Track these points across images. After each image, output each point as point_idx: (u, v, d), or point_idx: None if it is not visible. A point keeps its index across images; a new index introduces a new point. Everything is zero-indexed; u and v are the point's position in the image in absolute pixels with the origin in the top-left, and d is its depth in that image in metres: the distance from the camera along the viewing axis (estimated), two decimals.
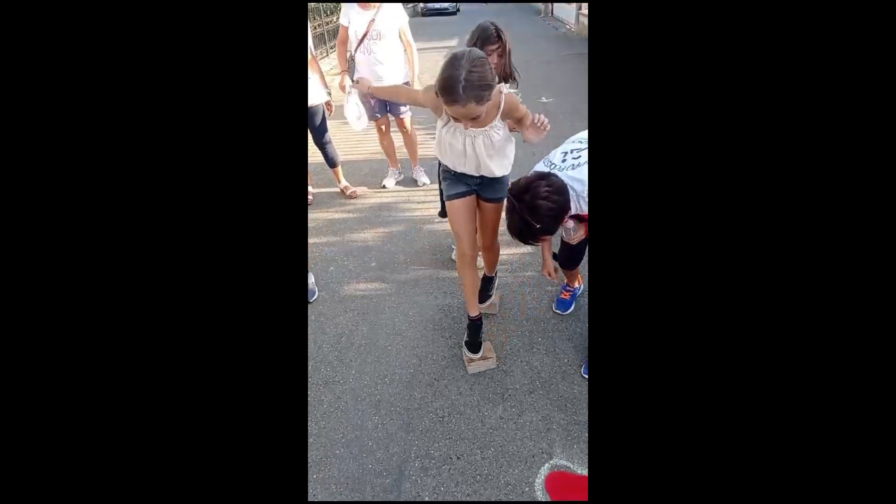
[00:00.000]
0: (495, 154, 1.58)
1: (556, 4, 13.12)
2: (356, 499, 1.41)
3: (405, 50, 3.06)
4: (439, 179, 1.89)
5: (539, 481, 1.42)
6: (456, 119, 1.40)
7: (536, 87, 5.72)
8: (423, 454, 1.53)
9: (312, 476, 1.48)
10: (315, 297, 2.33)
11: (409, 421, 1.65)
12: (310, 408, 1.72)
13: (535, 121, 1.40)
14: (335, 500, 1.41)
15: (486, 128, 1.49)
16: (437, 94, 1.33)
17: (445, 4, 16.74)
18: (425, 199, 3.27)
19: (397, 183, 3.52)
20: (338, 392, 1.78)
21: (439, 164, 1.78)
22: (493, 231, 1.86)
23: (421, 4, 17.34)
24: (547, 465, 1.47)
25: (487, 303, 2.14)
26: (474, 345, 1.86)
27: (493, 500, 1.39)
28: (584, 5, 9.38)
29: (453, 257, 2.48)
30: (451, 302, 2.26)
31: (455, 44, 10.19)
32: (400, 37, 3.01)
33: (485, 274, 2.11)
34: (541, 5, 14.59)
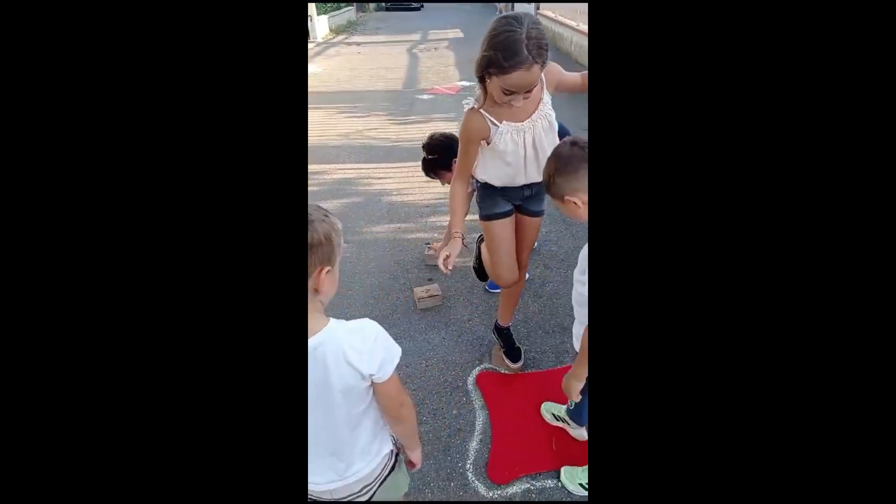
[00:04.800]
0: (554, 139, 1.35)
1: (517, 5, 13.61)
2: None
3: None
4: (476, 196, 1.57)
5: (471, 379, 1.78)
6: (509, 93, 1.14)
7: None
8: None
9: None
10: None
11: None
12: None
13: None
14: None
15: (541, 106, 1.30)
16: (484, 68, 1.13)
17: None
18: (384, 176, 3.58)
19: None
20: None
21: (476, 183, 1.53)
22: (531, 247, 1.66)
23: None
24: (477, 368, 1.83)
25: (520, 362, 1.82)
26: (514, 351, 1.80)
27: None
28: (542, 7, 9.86)
29: (428, 253, 2.46)
30: (405, 258, 2.58)
31: (418, 38, 10.49)
32: None
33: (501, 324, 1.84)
34: (500, 4, 15.06)
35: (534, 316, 2.09)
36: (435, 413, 1.65)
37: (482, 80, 1.18)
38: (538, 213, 1.54)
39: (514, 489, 1.41)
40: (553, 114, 1.34)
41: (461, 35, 10.72)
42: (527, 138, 1.31)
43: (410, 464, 1.00)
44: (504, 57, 1.06)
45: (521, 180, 1.40)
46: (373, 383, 0.82)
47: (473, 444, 1.55)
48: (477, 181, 1.49)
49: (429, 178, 2.34)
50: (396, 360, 0.82)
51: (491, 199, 1.46)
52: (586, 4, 6.57)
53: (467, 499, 1.38)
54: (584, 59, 6.62)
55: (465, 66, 6.89)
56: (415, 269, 2.46)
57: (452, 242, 1.33)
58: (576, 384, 1.11)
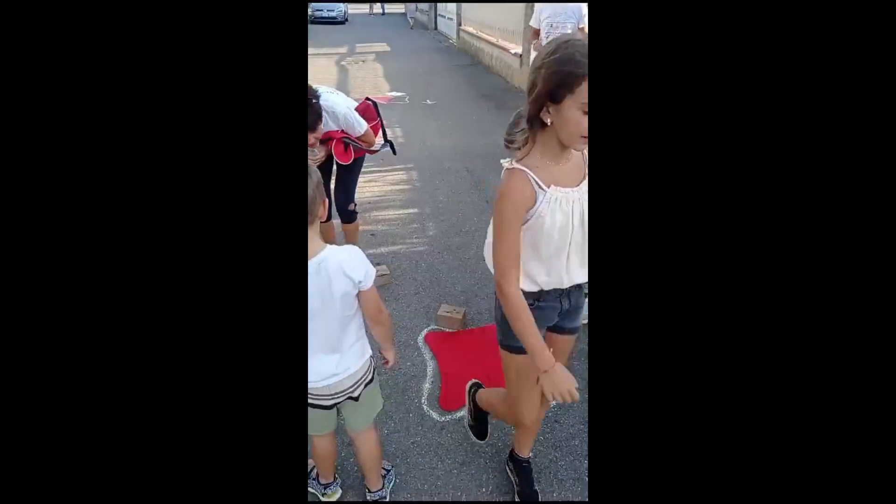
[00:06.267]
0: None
1: (439, 20, 14.27)
2: None
3: None
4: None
5: (420, 337, 2.10)
6: (587, 111, 0.88)
7: (422, 92, 6.52)
8: None
9: None
10: None
11: None
12: None
13: None
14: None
15: (585, 180, 1.03)
16: (555, 89, 0.90)
17: (334, 13, 17.13)
18: None
19: None
20: None
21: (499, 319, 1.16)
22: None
23: (309, 11, 17.54)
24: (425, 329, 2.15)
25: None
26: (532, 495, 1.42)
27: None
28: (464, 24, 10.49)
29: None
30: None
31: (345, 51, 10.72)
32: None
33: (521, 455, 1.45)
34: (410, 19, 15.72)
35: (473, 285, 2.45)
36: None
37: (537, 119, 0.95)
38: (574, 331, 1.23)
39: (462, 413, 1.74)
40: None
41: (388, 49, 11.09)
42: (575, 208, 1.00)
43: (387, 362, 1.31)
44: (577, 64, 0.87)
45: (561, 273, 1.07)
46: (359, 292, 1.11)
47: (426, 385, 1.86)
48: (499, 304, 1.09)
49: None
50: (374, 275, 1.13)
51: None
52: (505, 23, 7.20)
53: (423, 424, 1.70)
54: (504, 70, 7.22)
55: (395, 77, 7.25)
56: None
57: (553, 372, 0.98)
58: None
